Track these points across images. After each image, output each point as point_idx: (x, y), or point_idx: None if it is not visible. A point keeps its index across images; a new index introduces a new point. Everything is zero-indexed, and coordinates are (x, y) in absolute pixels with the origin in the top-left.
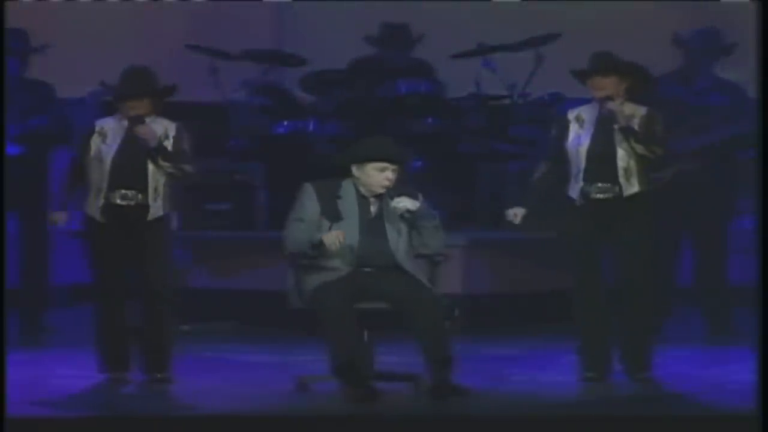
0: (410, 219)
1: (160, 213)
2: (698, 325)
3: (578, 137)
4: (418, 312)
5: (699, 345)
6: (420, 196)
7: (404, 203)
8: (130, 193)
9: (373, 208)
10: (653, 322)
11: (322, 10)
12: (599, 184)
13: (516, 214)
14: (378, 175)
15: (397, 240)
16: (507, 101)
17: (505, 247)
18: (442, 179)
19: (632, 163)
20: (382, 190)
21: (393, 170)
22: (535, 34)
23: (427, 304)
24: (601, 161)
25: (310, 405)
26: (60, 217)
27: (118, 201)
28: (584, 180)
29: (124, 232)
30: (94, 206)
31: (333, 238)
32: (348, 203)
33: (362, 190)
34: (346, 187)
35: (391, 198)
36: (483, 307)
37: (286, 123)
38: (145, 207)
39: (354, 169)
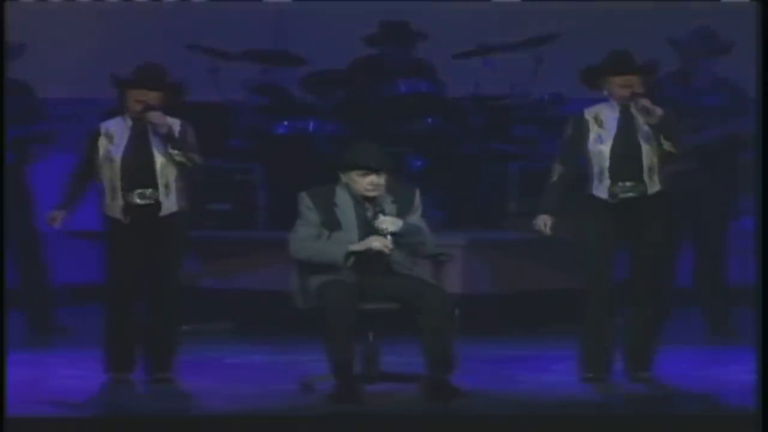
0: (395, 238)
1: (174, 209)
2: (698, 325)
3: (599, 136)
4: (423, 308)
5: (699, 345)
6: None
7: (385, 225)
8: (147, 191)
9: (369, 214)
10: (662, 320)
11: (322, 10)
12: (626, 183)
13: (545, 223)
14: (361, 181)
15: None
16: (507, 101)
17: (505, 247)
18: (442, 179)
19: (655, 161)
20: (370, 194)
21: (377, 175)
22: (535, 34)
23: (432, 299)
24: (625, 160)
25: (311, 405)
26: (57, 216)
27: (138, 201)
28: (609, 179)
29: (144, 231)
30: (114, 207)
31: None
32: (344, 209)
33: (354, 194)
34: (341, 193)
35: (376, 216)
36: (483, 307)
37: (286, 123)
38: (160, 204)
39: (342, 176)
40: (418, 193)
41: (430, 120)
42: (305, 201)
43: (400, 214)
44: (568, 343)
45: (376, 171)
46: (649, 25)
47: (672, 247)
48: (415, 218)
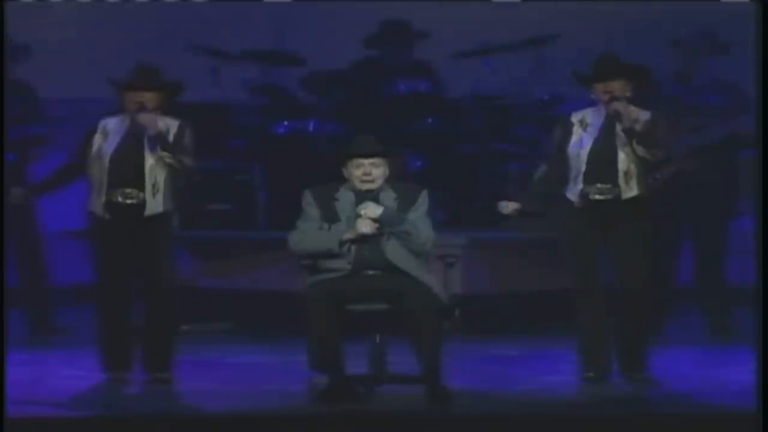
0: (379, 225)
1: (159, 209)
2: (698, 325)
3: (580, 140)
4: (406, 309)
5: (699, 345)
6: (387, 203)
7: (365, 210)
8: (132, 191)
9: None
10: (651, 323)
11: (322, 10)
12: (598, 185)
13: (508, 206)
14: (356, 172)
15: (387, 238)
16: (507, 101)
17: (505, 247)
18: (442, 179)
19: (632, 167)
20: (367, 186)
21: (371, 164)
22: (535, 34)
23: (413, 300)
24: (601, 163)
25: (311, 405)
26: (17, 193)
27: (120, 199)
28: (584, 182)
29: (126, 230)
30: (97, 204)
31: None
32: (344, 205)
33: (356, 190)
34: (344, 190)
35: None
36: (483, 307)
37: (286, 123)
38: (144, 204)
39: (344, 171)
40: (425, 193)
41: (430, 120)
42: (307, 197)
43: (401, 210)
44: (568, 343)
45: (367, 157)
46: (649, 25)
47: (648, 251)
48: (415, 215)
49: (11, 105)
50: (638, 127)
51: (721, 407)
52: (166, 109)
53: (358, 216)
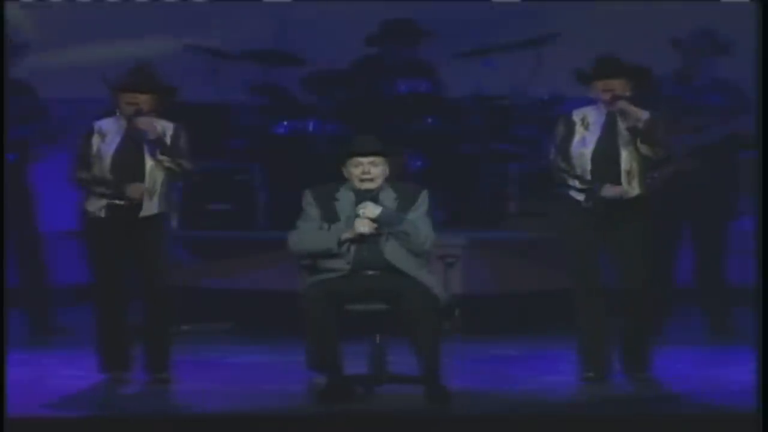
0: (377, 225)
1: (155, 211)
2: (698, 325)
3: (583, 139)
4: (404, 309)
5: (699, 345)
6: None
7: (363, 210)
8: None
9: None
10: (651, 322)
11: (322, 10)
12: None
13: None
14: (355, 170)
15: (386, 238)
16: (507, 101)
17: (505, 247)
18: (442, 179)
19: (635, 166)
20: (366, 185)
21: (370, 163)
22: (535, 34)
23: (411, 300)
24: (605, 163)
25: (311, 405)
26: (134, 189)
27: (117, 200)
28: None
29: (122, 231)
30: (95, 205)
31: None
32: (344, 204)
33: (356, 190)
34: (344, 190)
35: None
36: (483, 307)
37: (286, 123)
38: (141, 205)
39: (344, 171)
40: (425, 193)
41: (430, 120)
42: (307, 197)
43: (401, 210)
44: (568, 343)
45: (366, 156)
46: (649, 25)
47: (648, 251)
48: (415, 215)
49: (11, 105)
50: (641, 125)
51: (721, 407)
52: (162, 111)
53: (357, 216)
